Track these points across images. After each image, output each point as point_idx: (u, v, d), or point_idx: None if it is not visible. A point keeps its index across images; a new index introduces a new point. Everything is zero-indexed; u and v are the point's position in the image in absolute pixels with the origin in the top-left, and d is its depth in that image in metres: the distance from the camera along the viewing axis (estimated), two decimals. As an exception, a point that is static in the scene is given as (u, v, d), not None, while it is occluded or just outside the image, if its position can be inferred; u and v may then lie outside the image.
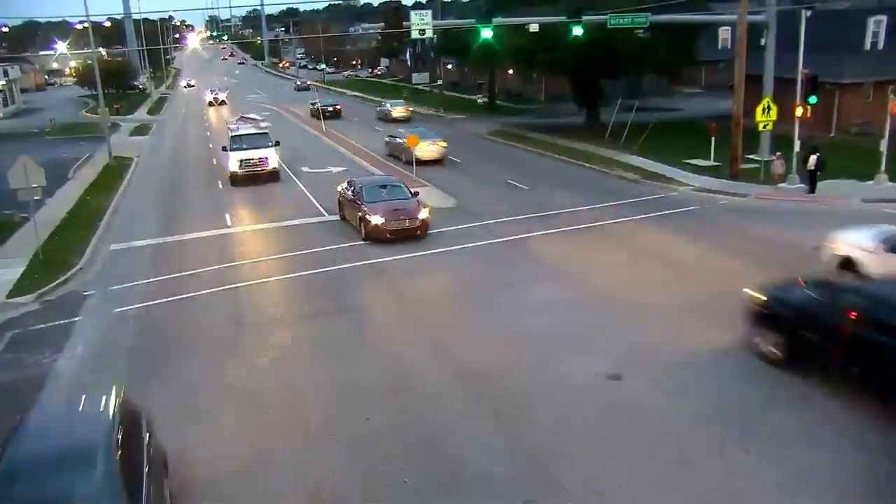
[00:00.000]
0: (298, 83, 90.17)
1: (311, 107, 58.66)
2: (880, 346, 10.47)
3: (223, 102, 72.59)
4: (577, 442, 10.68)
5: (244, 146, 31.75)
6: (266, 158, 31.42)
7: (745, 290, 13.42)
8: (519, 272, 18.50)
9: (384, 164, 35.17)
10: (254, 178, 31.09)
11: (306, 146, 43.27)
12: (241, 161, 31.01)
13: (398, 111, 51.31)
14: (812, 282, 12.72)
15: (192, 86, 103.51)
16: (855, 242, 15.71)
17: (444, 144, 34.81)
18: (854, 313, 11.00)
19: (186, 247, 22.50)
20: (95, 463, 7.55)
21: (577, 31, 30.96)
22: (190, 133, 53.69)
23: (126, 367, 14.04)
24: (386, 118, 50.59)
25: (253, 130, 34.34)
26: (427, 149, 33.47)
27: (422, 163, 32.12)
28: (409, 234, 21.34)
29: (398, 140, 35.19)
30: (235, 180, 31.17)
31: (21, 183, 20.18)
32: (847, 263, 15.73)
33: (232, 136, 33.14)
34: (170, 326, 16.07)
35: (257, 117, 36.45)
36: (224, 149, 32.38)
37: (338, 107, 57.32)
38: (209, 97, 73.87)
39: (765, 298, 12.91)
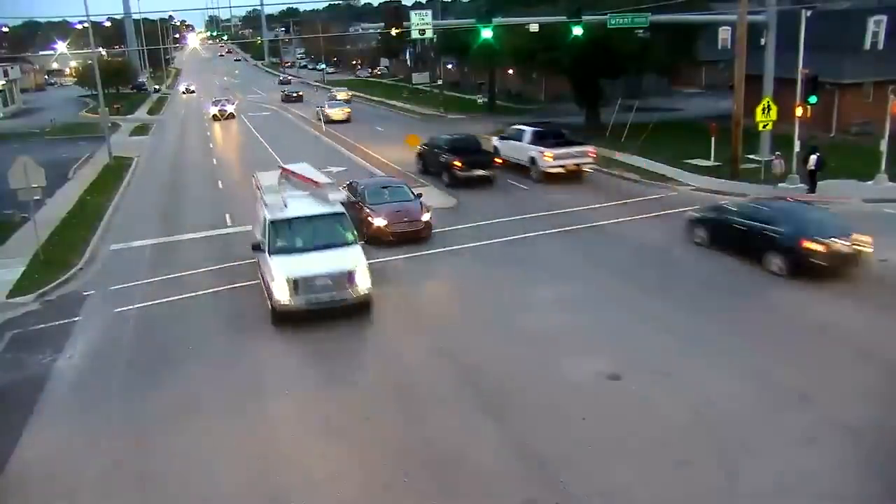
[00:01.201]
0: (281, 77, 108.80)
1: (282, 93, 77.50)
2: (441, 162, 29.25)
3: (231, 116, 59.15)
4: (577, 441, 10.69)
5: (301, 244, 15.99)
6: (352, 273, 15.44)
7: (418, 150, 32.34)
8: (518, 272, 18.50)
9: (315, 124, 52.21)
10: (327, 313, 15.36)
11: (305, 146, 43.30)
12: (301, 282, 15.06)
13: (341, 95, 68.16)
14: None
15: (192, 91, 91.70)
16: (490, 138, 33.22)
17: (349, 110, 55.03)
18: (438, 150, 29.92)
19: (186, 247, 22.50)
20: None
21: (577, 31, 30.97)
22: (189, 136, 53.66)
23: (126, 366, 14.06)
24: (333, 100, 64.20)
25: (315, 207, 16.92)
26: (336, 113, 53.50)
27: (333, 122, 51.64)
28: (413, 237, 21.26)
29: (323, 110, 54.11)
30: (288, 316, 15.38)
31: (21, 183, 20.18)
32: (496, 151, 31.58)
33: (273, 223, 16.26)
34: (170, 326, 16.09)
35: (317, 176, 18.66)
36: (256, 248, 16.68)
37: (300, 94, 75.48)
38: (213, 110, 59.24)
39: (419, 148, 32.19)
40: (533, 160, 28.91)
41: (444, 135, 32.12)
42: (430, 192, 26.90)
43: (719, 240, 19.03)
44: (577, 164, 28.55)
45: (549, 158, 28.09)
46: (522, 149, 29.78)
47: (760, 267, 17.38)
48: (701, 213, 20.25)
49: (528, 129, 30.33)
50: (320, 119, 52.90)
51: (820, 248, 16.34)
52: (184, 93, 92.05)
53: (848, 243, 16.62)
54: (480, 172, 28.19)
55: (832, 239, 16.45)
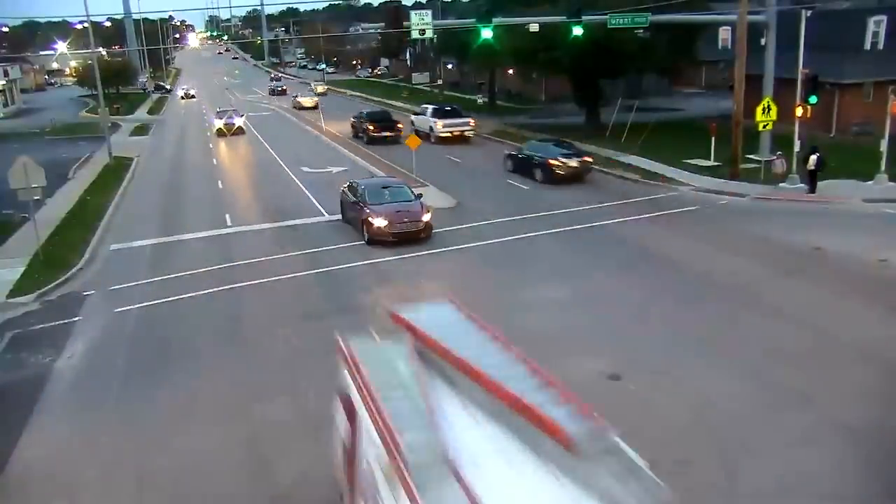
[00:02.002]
0: (272, 75, 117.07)
1: (269, 87, 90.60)
2: (362, 128, 43.51)
3: (240, 130, 49.78)
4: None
5: None
6: None
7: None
8: (518, 272, 18.50)
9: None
10: None
11: (305, 145, 43.29)
12: None
13: (319, 88, 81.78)
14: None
15: (193, 96, 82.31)
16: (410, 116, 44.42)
17: (317, 100, 66.60)
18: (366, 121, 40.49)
19: (186, 247, 22.49)
20: None
21: (577, 31, 30.95)
22: (189, 136, 53.62)
23: (126, 366, 14.06)
24: (313, 91, 76.80)
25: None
26: (307, 101, 65.95)
27: (304, 108, 63.94)
28: (413, 237, 21.19)
29: (296, 98, 67.88)
30: None
31: (21, 183, 20.17)
32: (413, 124, 43.43)
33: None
34: (170, 326, 16.07)
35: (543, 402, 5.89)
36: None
37: (284, 88, 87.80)
38: (218, 123, 49.70)
39: (352, 119, 45.53)
40: (431, 128, 41.49)
41: (365, 110, 47.54)
42: (429, 192, 26.90)
43: (517, 167, 30.70)
44: (461, 131, 41.65)
45: (440, 126, 41.01)
46: (426, 120, 42.51)
47: (533, 179, 28.83)
48: (508, 152, 32.28)
49: (430, 107, 44.17)
50: (294, 107, 66.11)
51: (557, 163, 28.31)
52: (182, 97, 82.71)
53: (577, 162, 28.66)
54: (387, 133, 41.72)
55: (566, 159, 28.54)
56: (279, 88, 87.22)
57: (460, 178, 31.00)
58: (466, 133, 41.40)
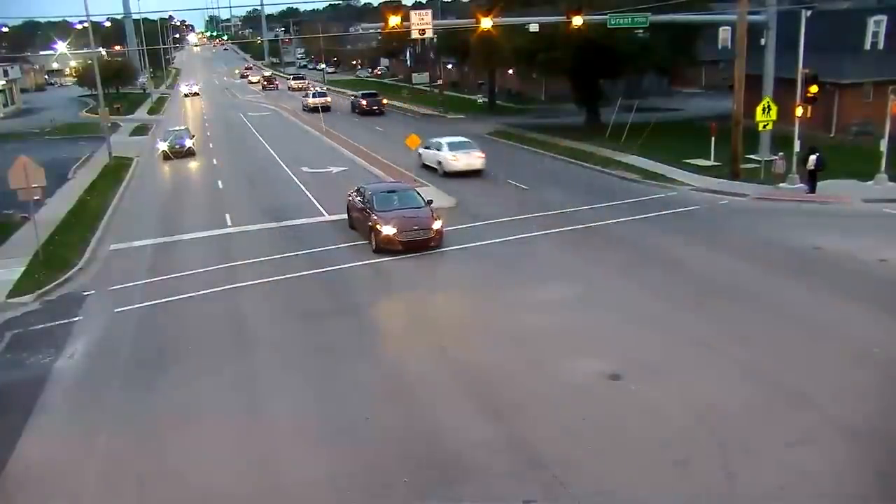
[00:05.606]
0: (245, 66, 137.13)
1: (239, 73, 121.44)
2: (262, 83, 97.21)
3: None
4: (577, 441, 10.69)
5: None
6: None
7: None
8: (519, 272, 18.50)
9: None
10: None
11: (306, 145, 43.31)
12: None
13: (265, 73, 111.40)
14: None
15: (190, 151, 40.29)
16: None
17: (260, 77, 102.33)
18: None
19: (186, 247, 22.49)
20: None
21: (577, 21, 30.04)
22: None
23: (126, 366, 14.06)
24: (262, 74, 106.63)
25: None
26: (253, 78, 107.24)
27: (251, 82, 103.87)
28: (423, 246, 20.34)
29: (247, 78, 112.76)
30: None
31: (21, 183, 20.17)
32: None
33: None
34: (170, 326, 16.07)
35: None
36: None
37: (248, 75, 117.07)
38: None
39: (260, 80, 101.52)
40: (291, 86, 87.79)
41: (266, 74, 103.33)
42: (429, 192, 26.84)
43: None
44: (302, 85, 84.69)
45: (291, 82, 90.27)
46: (288, 80, 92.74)
47: None
48: None
49: (291, 76, 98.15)
50: (247, 82, 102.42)
51: None
52: (168, 152, 39.76)
53: None
54: (271, 86, 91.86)
55: None
56: (246, 74, 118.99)
57: (460, 178, 31.00)
58: (303, 84, 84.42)
